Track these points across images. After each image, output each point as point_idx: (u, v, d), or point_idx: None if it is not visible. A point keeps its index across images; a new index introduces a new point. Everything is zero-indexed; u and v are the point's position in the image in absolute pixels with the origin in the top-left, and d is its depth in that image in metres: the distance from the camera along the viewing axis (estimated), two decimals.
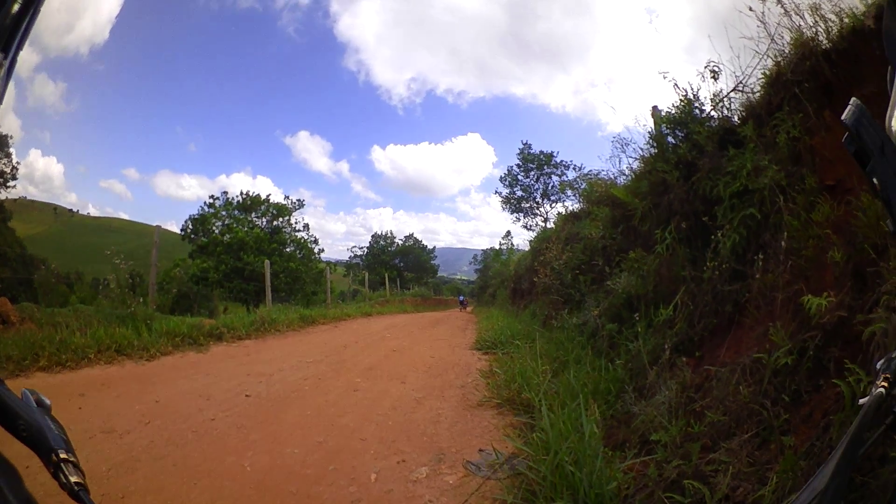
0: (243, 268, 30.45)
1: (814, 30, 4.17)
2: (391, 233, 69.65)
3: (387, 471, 3.83)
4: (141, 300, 10.00)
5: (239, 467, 3.80)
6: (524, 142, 46.15)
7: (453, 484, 3.60)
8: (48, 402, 0.68)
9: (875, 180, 0.74)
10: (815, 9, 4.19)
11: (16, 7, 0.59)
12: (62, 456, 0.59)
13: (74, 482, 0.57)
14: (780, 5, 4.46)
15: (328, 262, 40.59)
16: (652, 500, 2.73)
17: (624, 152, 7.49)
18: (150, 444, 4.15)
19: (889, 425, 0.71)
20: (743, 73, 5.09)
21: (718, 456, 2.83)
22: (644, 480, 2.95)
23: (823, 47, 4.02)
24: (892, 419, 0.71)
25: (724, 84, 5.35)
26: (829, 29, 4.03)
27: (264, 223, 37.17)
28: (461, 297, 44.04)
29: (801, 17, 4.34)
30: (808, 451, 2.43)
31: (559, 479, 2.98)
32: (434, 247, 74.73)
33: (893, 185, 0.72)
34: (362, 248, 69.02)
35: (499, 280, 28.63)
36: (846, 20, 3.89)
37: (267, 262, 17.30)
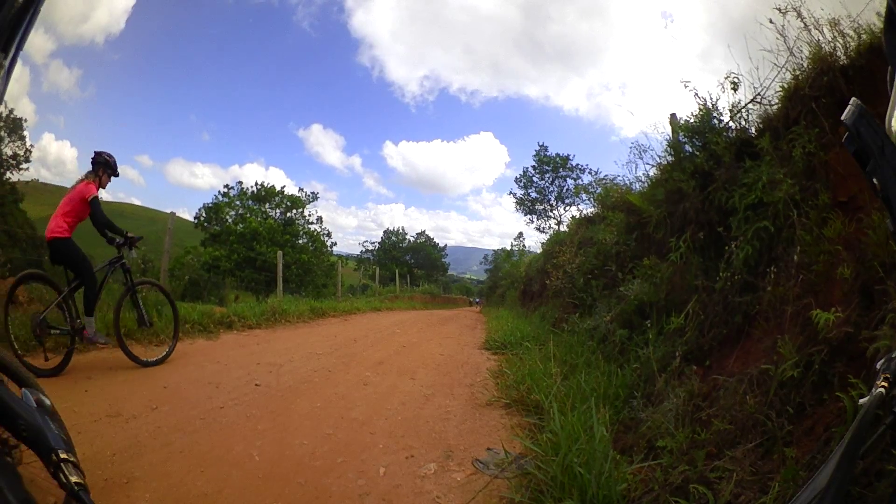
0: (255, 258, 30.59)
1: (832, 45, 4.19)
2: (402, 229, 69.84)
3: (395, 465, 3.87)
4: None
5: (247, 456, 3.83)
6: (540, 143, 46.12)
7: (461, 481, 3.64)
8: (48, 401, 0.68)
9: (875, 180, 0.76)
10: (833, 24, 4.21)
11: (16, 7, 0.58)
12: (62, 456, 0.59)
13: (74, 482, 0.58)
14: (799, 19, 4.48)
15: (339, 256, 40.68)
16: (658, 503, 2.77)
17: (641, 158, 7.48)
18: (156, 430, 4.18)
19: (889, 425, 0.73)
20: (761, 85, 5.11)
21: (723, 463, 2.86)
22: (650, 484, 2.99)
23: (841, 63, 4.04)
24: (892, 419, 0.72)
25: (743, 95, 5.36)
26: (847, 45, 4.05)
27: (278, 214, 37.35)
28: (477, 300, 48.92)
29: (820, 31, 4.35)
30: (808, 462, 2.47)
31: (568, 479, 3.02)
32: (445, 245, 74.76)
33: (893, 186, 0.74)
34: (374, 242, 69.28)
35: (509, 281, 28.51)
36: (864, 36, 3.91)
37: (279, 252, 17.40)
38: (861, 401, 0.73)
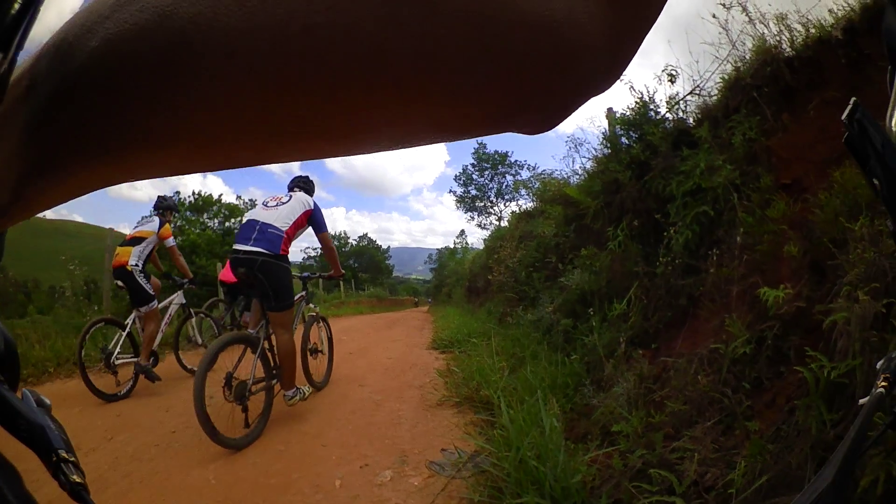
0: (195, 272, 29.83)
1: (777, 38, 4.30)
2: (345, 233, 69.24)
3: (351, 476, 3.78)
4: (96, 308, 9.72)
5: (204, 481, 3.70)
6: (479, 142, 46.64)
7: (419, 485, 3.57)
8: (48, 401, 0.65)
9: (875, 181, 0.71)
10: (781, 18, 4.31)
11: (16, 7, 0.53)
12: (62, 455, 0.57)
13: (75, 482, 0.56)
14: (744, 13, 4.59)
15: None
16: (619, 490, 2.75)
17: (577, 152, 7.61)
18: (115, 461, 4.01)
19: (889, 425, 0.70)
20: (701, 77, 5.24)
21: (682, 444, 2.88)
22: (609, 472, 2.98)
23: (786, 55, 4.15)
24: (892, 419, 0.70)
25: (681, 87, 5.48)
26: (794, 38, 4.16)
27: (216, 224, 36.43)
28: (429, 299, 48.45)
29: (765, 25, 4.47)
30: (774, 434, 2.50)
31: (523, 474, 2.98)
32: (388, 246, 74.68)
33: (893, 186, 0.70)
34: (316, 248, 68.51)
35: (454, 279, 28.53)
36: (812, 31, 4.01)
37: (219, 265, 16.91)
38: (861, 401, 0.70)
